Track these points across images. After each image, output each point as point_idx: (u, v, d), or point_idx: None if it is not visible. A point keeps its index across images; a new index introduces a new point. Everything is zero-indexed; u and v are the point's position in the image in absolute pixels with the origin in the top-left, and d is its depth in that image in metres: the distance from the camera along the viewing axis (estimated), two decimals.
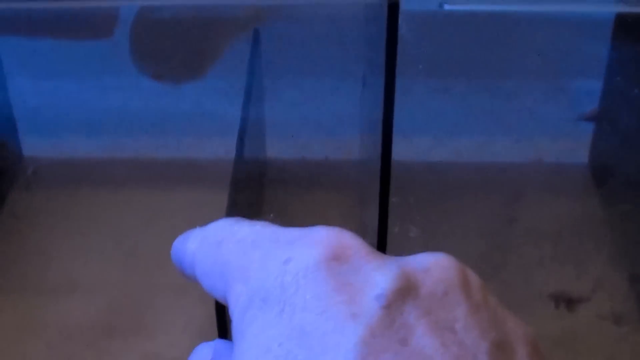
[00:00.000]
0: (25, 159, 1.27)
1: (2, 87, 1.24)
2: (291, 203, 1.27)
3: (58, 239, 1.20)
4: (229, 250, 0.33)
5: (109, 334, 1.07)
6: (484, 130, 1.36)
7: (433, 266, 0.30)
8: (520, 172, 1.31)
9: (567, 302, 1.07)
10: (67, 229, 1.20)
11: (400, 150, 1.30)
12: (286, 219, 1.30)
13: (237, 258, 0.32)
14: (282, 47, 1.24)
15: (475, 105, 1.36)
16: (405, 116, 1.36)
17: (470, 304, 0.29)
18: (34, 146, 1.27)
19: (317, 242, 0.30)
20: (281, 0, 1.23)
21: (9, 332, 1.06)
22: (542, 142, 1.34)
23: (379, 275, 0.29)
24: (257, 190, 1.26)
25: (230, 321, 0.32)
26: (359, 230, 0.35)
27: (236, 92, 1.22)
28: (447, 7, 0.86)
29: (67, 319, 1.08)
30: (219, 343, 0.34)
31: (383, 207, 0.84)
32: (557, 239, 1.13)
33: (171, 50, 1.29)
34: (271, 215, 1.20)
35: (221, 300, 0.33)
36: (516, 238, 1.14)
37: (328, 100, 1.27)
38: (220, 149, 1.20)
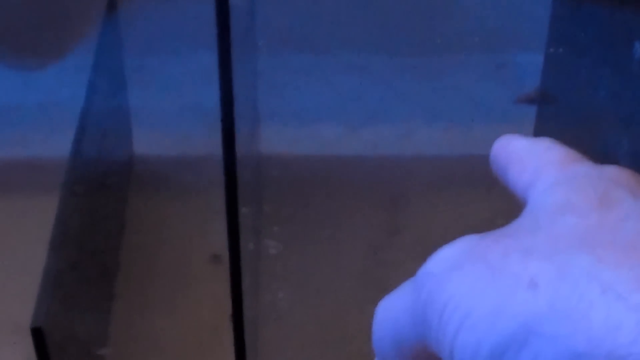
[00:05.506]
0: None
1: None
2: (163, 207, 1.10)
3: None
4: None
5: None
6: (406, 117, 1.21)
7: None
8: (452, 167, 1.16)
9: None
10: None
11: (283, 142, 1.14)
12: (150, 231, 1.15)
13: None
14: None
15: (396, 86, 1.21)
16: (304, 99, 1.21)
17: None
18: None
19: None
20: None
21: None
22: (476, 130, 1.19)
23: None
24: (116, 195, 1.09)
25: None
26: None
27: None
28: None
29: None
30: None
31: (232, 218, 0.68)
32: None
33: (15, 26, 1.13)
34: None
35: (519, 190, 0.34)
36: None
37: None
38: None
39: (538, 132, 1.19)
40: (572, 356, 0.27)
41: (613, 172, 0.32)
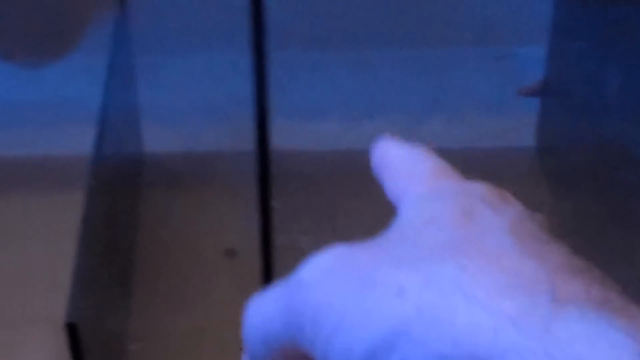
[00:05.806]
0: None
1: None
2: (175, 204, 1.12)
3: None
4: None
5: None
6: (410, 111, 1.23)
7: None
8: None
9: None
10: None
11: (290, 138, 1.16)
12: (166, 227, 1.17)
13: None
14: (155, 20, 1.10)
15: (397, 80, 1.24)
16: (310, 96, 1.23)
17: None
18: None
19: None
20: None
21: None
22: (478, 123, 1.22)
23: None
24: (129, 192, 1.11)
25: None
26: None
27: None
28: None
29: None
30: None
31: (265, 213, 0.70)
32: None
33: (25, 23, 1.14)
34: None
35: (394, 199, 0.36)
36: None
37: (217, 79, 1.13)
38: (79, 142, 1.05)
39: (542, 124, 1.22)
40: (438, 358, 0.29)
41: (477, 188, 0.34)
